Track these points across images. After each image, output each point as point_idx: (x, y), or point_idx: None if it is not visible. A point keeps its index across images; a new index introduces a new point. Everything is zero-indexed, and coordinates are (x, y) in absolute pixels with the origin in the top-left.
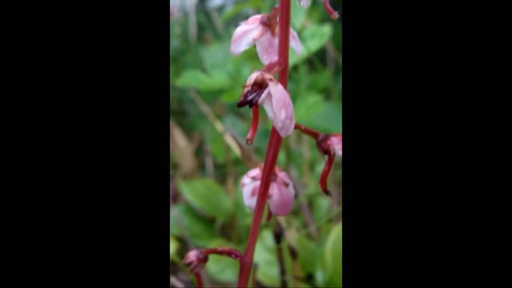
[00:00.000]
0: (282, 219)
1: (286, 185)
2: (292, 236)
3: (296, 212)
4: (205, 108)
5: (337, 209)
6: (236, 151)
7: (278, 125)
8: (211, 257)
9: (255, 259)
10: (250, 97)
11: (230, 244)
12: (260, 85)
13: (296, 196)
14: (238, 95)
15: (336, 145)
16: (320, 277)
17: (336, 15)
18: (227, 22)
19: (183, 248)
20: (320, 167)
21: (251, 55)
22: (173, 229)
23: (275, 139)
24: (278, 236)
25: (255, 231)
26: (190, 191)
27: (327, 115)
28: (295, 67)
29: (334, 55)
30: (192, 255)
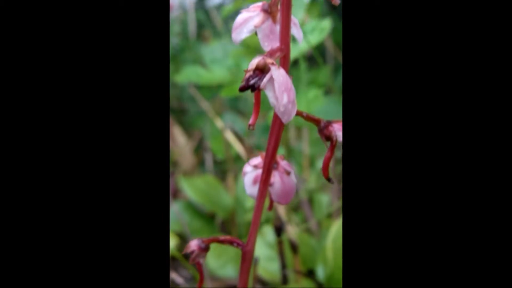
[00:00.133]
0: (282, 214)
1: (288, 173)
2: (292, 231)
3: (296, 208)
4: (205, 105)
5: (338, 203)
6: (236, 147)
7: (280, 109)
8: (212, 252)
9: (256, 254)
10: (252, 82)
11: None
12: (262, 70)
13: (296, 192)
14: (237, 90)
15: (338, 131)
16: (321, 272)
17: (337, 1)
18: (227, 19)
19: (183, 244)
20: (320, 163)
21: (251, 50)
22: (173, 226)
23: (277, 126)
24: (279, 230)
25: (257, 219)
26: (190, 188)
27: (327, 109)
28: (295, 64)
29: (334, 53)
30: (193, 244)
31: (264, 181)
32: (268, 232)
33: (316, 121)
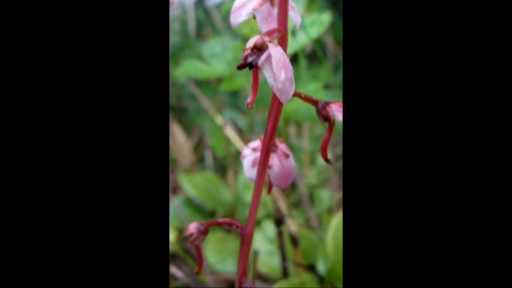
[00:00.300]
0: (282, 207)
1: (287, 156)
2: (293, 225)
3: (296, 204)
4: (205, 102)
5: (338, 195)
6: (237, 143)
7: (278, 86)
8: (212, 247)
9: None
10: (250, 59)
11: (230, 236)
12: (259, 48)
13: (296, 188)
14: (237, 83)
15: (336, 111)
16: (321, 267)
17: None
18: (226, 18)
19: (183, 240)
20: (320, 160)
21: None
22: (173, 221)
23: (275, 107)
24: (279, 222)
25: (256, 201)
26: (190, 184)
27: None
28: (296, 61)
29: (334, 50)
30: (192, 227)
31: (263, 162)
32: (268, 227)
33: (314, 102)
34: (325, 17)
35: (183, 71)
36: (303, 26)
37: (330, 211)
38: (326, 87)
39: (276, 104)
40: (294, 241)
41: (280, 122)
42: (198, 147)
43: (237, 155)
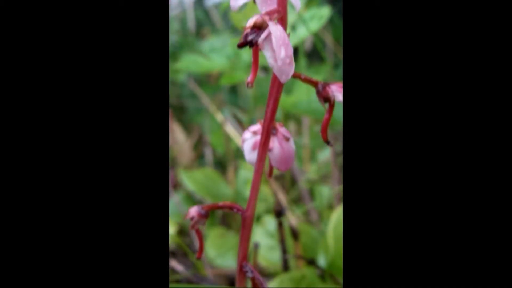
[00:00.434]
0: (283, 199)
1: (287, 139)
2: (293, 219)
3: (297, 200)
4: (205, 100)
5: (338, 188)
6: (237, 140)
7: (278, 64)
8: (212, 243)
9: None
10: (250, 38)
11: (230, 232)
12: (259, 27)
13: (297, 184)
14: (237, 77)
15: (336, 91)
16: (322, 261)
17: None
18: (225, 17)
19: (183, 236)
20: (321, 155)
21: None
22: (174, 217)
23: (275, 88)
24: (279, 214)
25: (256, 184)
26: (189, 180)
27: None
28: (295, 60)
29: (334, 49)
30: (193, 210)
31: (263, 145)
32: (268, 221)
33: (313, 83)
34: (325, 11)
35: (183, 65)
36: (303, 21)
37: (330, 207)
38: None
39: (276, 85)
40: (295, 234)
41: (280, 118)
42: (198, 145)
43: (237, 151)
